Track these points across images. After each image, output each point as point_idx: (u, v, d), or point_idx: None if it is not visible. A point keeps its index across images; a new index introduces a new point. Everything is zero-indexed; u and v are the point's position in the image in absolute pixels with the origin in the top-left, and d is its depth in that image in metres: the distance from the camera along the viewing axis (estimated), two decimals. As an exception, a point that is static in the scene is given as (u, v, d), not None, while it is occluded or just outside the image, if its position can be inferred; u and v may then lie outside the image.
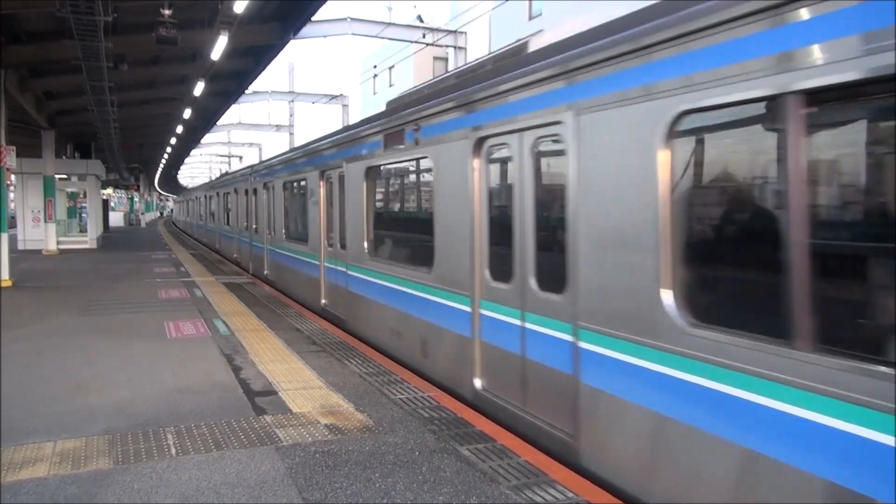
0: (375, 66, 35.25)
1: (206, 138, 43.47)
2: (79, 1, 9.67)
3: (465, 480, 4.27)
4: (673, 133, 3.74)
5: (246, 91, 24.48)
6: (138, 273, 17.31)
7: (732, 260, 3.80)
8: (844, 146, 3.22)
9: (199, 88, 18.71)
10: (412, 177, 8.30)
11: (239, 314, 10.80)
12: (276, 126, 43.46)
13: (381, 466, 4.50)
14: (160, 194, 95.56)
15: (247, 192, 19.08)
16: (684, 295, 3.73)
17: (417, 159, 7.56)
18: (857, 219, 3.17)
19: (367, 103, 41.60)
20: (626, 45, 4.05)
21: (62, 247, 25.27)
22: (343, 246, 9.98)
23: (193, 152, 53.07)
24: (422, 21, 26.73)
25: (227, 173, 30.60)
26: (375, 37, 23.62)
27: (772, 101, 3.20)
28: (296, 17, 15.34)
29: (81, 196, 33.04)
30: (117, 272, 17.72)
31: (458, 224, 6.25)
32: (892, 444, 2.63)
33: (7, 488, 4.14)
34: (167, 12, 11.11)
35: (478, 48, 24.16)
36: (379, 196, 9.12)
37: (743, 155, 3.75)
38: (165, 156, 46.08)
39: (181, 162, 60.16)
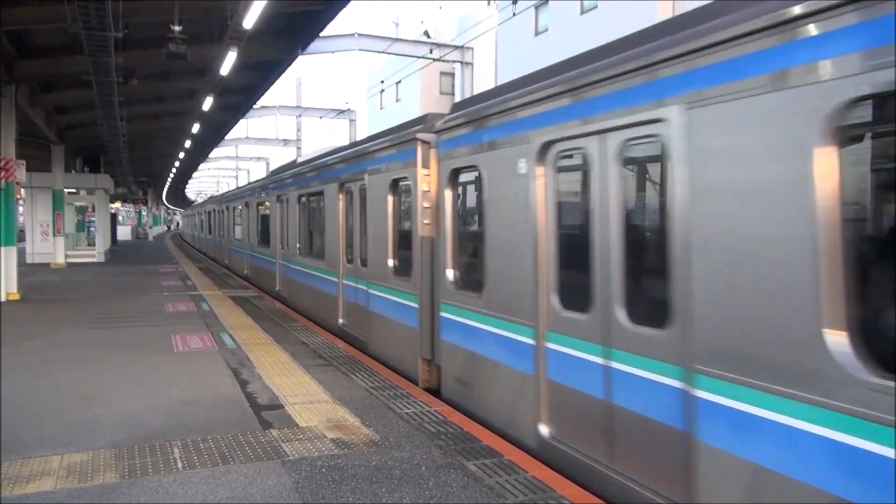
0: (383, 81, 35.50)
1: (214, 152, 43.62)
2: (90, 17, 9.79)
3: (471, 496, 4.25)
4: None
5: (254, 106, 24.63)
6: (146, 286, 17.36)
7: None
8: None
9: (207, 103, 18.81)
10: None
11: (245, 328, 10.82)
12: (284, 140, 43.68)
13: (388, 481, 4.48)
14: (168, 208, 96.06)
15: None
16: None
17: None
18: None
19: (374, 118, 41.83)
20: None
21: (70, 260, 25.40)
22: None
23: (201, 166, 53.30)
24: (428, 37, 26.94)
25: (236, 187, 30.74)
26: (382, 52, 23.75)
27: None
28: (304, 33, 15.45)
29: (90, 210, 33.23)
30: (125, 285, 17.80)
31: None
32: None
33: (14, 501, 4.14)
34: (177, 28, 11.20)
35: (485, 64, 24.28)
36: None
37: None
38: (173, 169, 46.29)
39: (189, 176, 60.44)
